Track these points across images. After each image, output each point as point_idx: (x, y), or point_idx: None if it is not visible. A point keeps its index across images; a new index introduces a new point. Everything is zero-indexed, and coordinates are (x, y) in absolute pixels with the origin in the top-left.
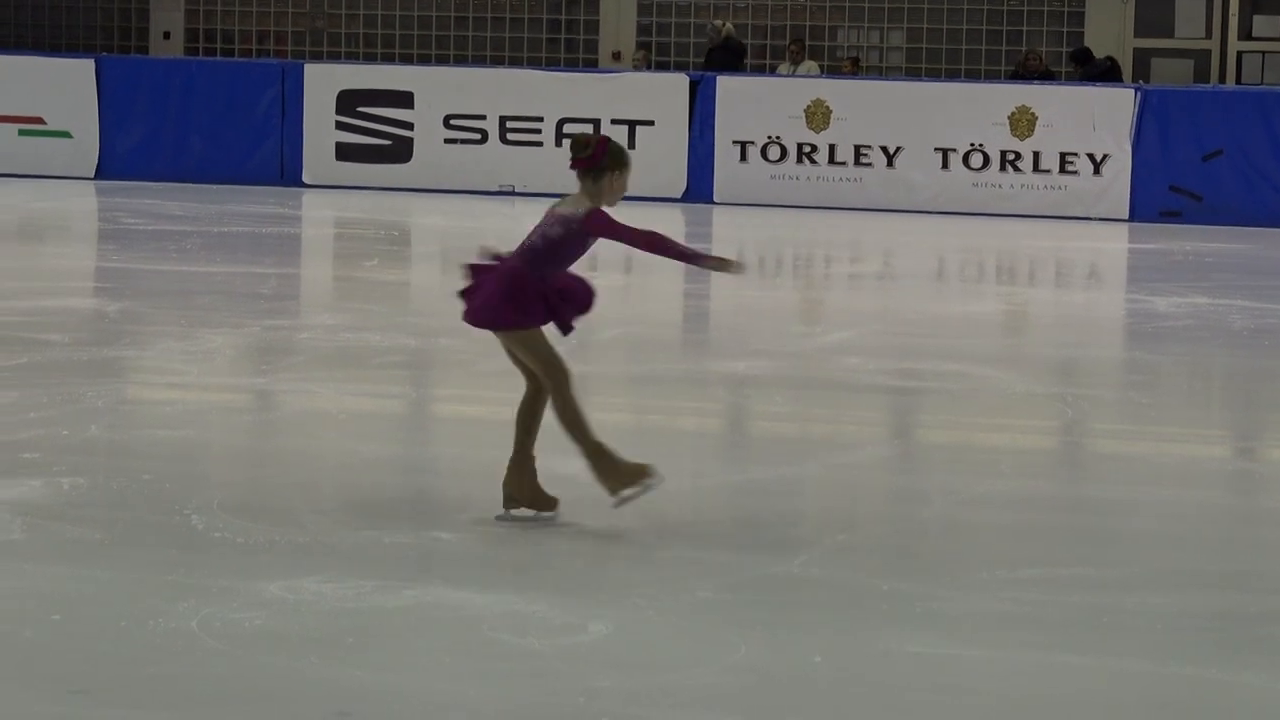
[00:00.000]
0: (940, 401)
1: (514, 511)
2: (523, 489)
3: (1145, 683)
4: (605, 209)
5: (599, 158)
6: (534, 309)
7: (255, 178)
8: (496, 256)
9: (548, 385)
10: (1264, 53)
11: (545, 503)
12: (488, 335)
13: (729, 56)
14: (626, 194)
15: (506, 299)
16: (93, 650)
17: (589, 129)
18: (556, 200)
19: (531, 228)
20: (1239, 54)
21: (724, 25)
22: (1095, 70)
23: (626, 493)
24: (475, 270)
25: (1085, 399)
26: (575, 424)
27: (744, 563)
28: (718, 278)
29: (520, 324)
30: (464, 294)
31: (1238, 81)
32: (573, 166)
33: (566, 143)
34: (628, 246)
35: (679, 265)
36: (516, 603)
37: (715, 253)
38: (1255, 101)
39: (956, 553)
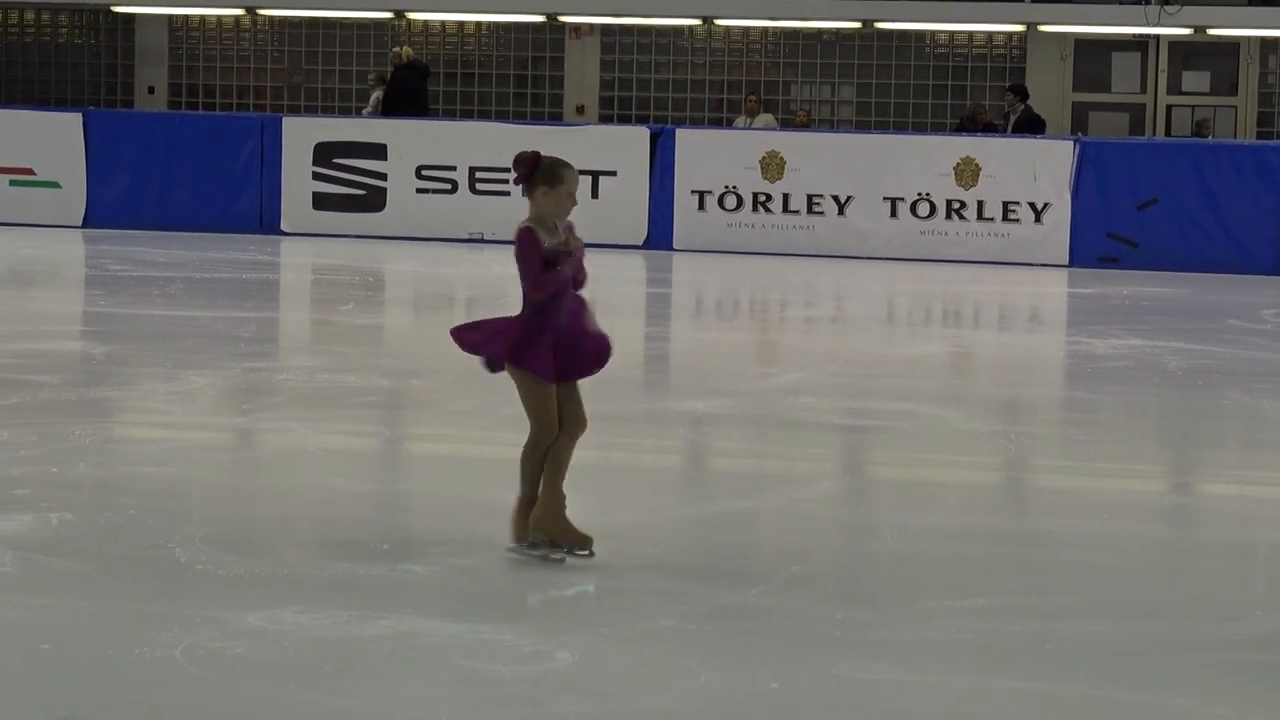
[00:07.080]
0: (890, 439)
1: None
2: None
3: (1086, 707)
4: (532, 226)
5: (526, 177)
6: (534, 355)
7: (236, 226)
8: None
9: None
10: (1193, 106)
11: (577, 539)
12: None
13: (413, 75)
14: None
15: (510, 336)
16: (80, 678)
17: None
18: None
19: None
20: (1168, 108)
21: (404, 50)
22: (1024, 113)
23: (552, 552)
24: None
25: (1027, 436)
26: (540, 465)
27: (703, 593)
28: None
29: (516, 364)
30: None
31: (1167, 133)
32: (515, 183)
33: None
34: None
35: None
36: (486, 632)
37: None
38: (1188, 152)
39: (906, 583)
